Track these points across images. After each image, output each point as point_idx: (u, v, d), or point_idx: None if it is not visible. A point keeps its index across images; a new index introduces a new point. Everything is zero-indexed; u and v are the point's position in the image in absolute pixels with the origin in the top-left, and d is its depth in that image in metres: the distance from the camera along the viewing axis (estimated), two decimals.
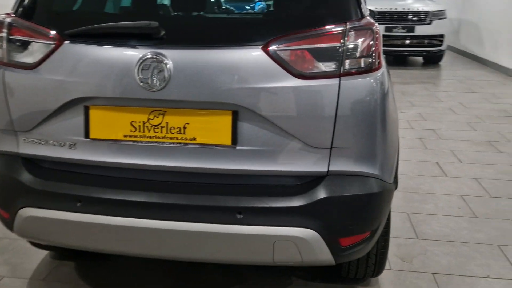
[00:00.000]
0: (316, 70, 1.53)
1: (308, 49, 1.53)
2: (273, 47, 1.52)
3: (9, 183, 1.74)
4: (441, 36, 8.03)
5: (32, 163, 1.75)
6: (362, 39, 1.55)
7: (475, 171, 3.61)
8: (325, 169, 1.60)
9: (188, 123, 1.59)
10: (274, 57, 1.52)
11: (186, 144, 1.61)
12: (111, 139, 1.65)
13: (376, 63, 1.57)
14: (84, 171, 1.73)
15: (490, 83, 6.99)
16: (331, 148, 1.57)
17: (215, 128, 1.59)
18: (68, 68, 1.62)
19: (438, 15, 8.10)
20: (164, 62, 1.53)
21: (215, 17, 1.69)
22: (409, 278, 2.25)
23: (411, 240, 2.59)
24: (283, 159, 1.59)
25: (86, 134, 1.65)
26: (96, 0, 2.06)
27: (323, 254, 1.61)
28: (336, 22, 1.56)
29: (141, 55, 1.55)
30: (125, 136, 1.63)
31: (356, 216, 1.63)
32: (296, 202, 1.57)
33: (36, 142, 1.71)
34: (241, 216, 1.57)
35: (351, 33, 1.54)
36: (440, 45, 8.11)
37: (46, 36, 1.64)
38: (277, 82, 1.52)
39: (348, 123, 1.56)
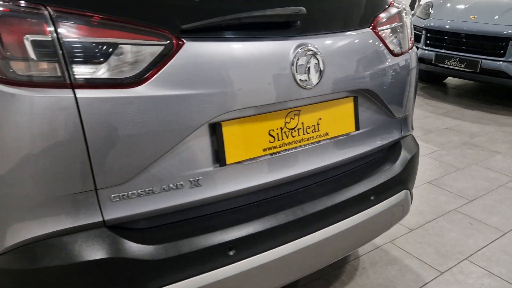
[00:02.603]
0: (399, 48, 1.68)
1: (392, 28, 1.65)
2: (378, 27, 1.57)
3: (116, 272, 1.11)
4: None
5: (123, 230, 1.17)
6: (407, 18, 1.79)
7: None
8: (400, 135, 1.81)
9: (320, 118, 1.45)
10: (380, 36, 1.57)
11: (319, 142, 1.47)
12: (249, 159, 1.30)
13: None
14: (206, 211, 1.29)
15: None
16: (403, 115, 1.79)
17: (341, 117, 1.51)
18: (198, 77, 1.14)
19: None
20: (318, 53, 1.33)
21: None
22: None
23: None
24: (383, 134, 1.70)
25: (221, 160, 1.24)
26: None
27: (409, 208, 1.85)
28: (389, 3, 1.74)
29: (293, 48, 1.28)
30: (264, 150, 1.33)
31: (416, 169, 1.93)
32: (398, 169, 1.73)
33: (133, 197, 1.14)
34: (373, 198, 1.61)
35: (402, 12, 1.75)
36: None
37: (151, 35, 1.09)
38: (384, 61, 1.59)
39: (410, 92, 1.80)
